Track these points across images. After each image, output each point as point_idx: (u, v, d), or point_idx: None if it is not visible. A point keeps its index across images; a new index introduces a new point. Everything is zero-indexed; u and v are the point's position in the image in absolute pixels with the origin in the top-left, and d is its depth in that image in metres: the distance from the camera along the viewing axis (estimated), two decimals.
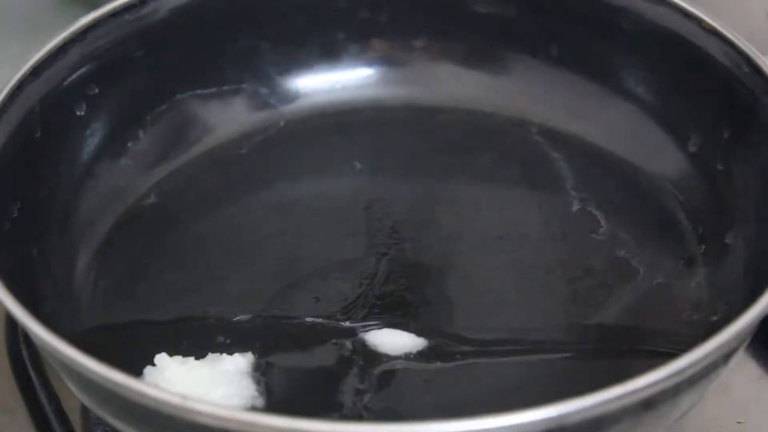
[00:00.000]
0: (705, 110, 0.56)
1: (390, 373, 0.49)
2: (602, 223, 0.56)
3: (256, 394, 0.48)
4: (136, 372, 0.47)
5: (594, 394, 0.38)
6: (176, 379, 0.47)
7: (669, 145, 0.58)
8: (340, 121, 0.63)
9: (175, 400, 0.38)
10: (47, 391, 0.51)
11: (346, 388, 0.48)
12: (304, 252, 0.55)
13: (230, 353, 0.49)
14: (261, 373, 0.49)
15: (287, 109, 0.63)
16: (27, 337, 0.53)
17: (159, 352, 0.49)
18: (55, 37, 0.54)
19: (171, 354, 0.48)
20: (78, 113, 0.56)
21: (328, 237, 0.56)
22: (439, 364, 0.50)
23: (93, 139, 0.57)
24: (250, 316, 0.52)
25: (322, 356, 0.50)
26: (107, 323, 0.52)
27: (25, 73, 0.52)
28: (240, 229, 0.57)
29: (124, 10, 0.57)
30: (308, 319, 0.52)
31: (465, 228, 0.57)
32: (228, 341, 0.50)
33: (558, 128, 0.62)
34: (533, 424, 0.37)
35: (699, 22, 0.56)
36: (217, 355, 0.49)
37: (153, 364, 0.48)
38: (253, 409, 0.47)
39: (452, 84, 0.64)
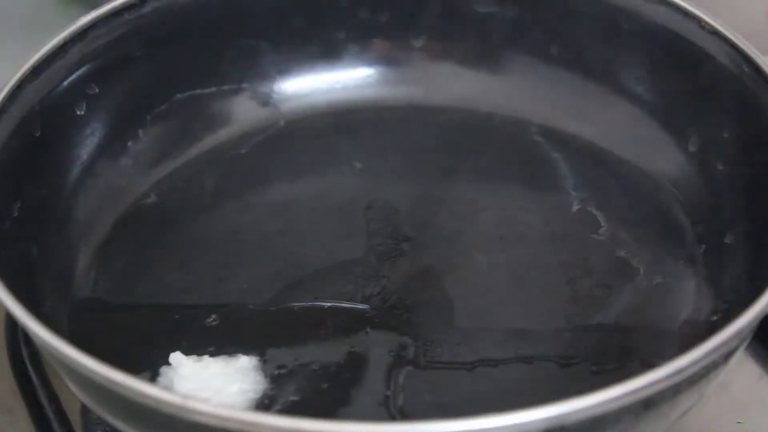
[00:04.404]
0: (705, 110, 0.56)
1: (389, 373, 0.49)
2: (602, 223, 0.56)
3: (270, 388, 0.48)
4: (136, 372, 0.46)
5: (594, 394, 0.38)
6: (191, 376, 0.48)
7: (669, 145, 0.58)
8: (340, 121, 0.63)
9: (175, 400, 0.38)
10: (47, 391, 0.51)
11: (348, 387, 0.48)
12: (304, 252, 0.55)
13: (229, 353, 0.49)
14: (271, 370, 0.49)
15: (287, 109, 0.63)
16: (27, 337, 0.53)
17: (159, 351, 0.49)
18: (55, 37, 0.54)
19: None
20: (78, 113, 0.56)
21: (328, 237, 0.56)
22: (438, 365, 0.50)
23: (93, 138, 0.57)
24: (250, 315, 0.52)
25: (323, 356, 0.50)
26: (107, 323, 0.52)
27: (25, 73, 0.52)
28: (240, 229, 0.57)
29: (124, 9, 0.57)
30: (308, 319, 0.52)
31: (465, 228, 0.57)
32: (227, 341, 0.50)
33: (558, 128, 0.62)
34: (533, 424, 0.37)
35: (699, 22, 0.56)
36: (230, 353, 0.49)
37: (153, 364, 0.48)
38: (264, 405, 0.47)
39: (452, 84, 0.64)
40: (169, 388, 0.47)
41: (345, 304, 0.52)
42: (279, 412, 0.47)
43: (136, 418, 0.42)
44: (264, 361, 0.49)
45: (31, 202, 0.52)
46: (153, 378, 0.48)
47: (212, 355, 0.49)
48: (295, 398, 0.48)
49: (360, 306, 0.52)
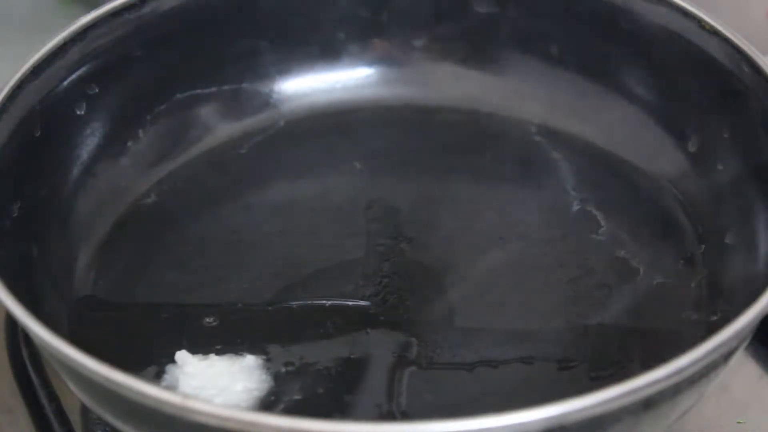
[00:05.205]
0: (705, 110, 0.56)
1: (390, 373, 0.49)
2: (602, 223, 0.56)
3: (275, 387, 0.48)
4: (136, 371, 0.46)
5: (594, 393, 0.38)
6: (196, 374, 0.48)
7: (669, 145, 0.58)
8: (340, 121, 0.63)
9: (175, 400, 0.38)
10: (47, 391, 0.51)
11: (350, 387, 0.48)
12: (304, 252, 0.55)
13: (228, 353, 0.49)
14: (274, 370, 0.49)
15: (287, 109, 0.63)
16: (27, 337, 0.53)
17: (159, 351, 0.49)
18: (55, 37, 0.54)
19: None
20: (78, 113, 0.56)
21: (328, 237, 0.56)
22: (438, 365, 0.50)
23: (93, 138, 0.57)
24: (250, 315, 0.52)
25: (324, 356, 0.50)
26: (107, 323, 0.52)
27: (25, 73, 0.52)
28: (240, 229, 0.57)
29: (124, 9, 0.57)
30: (308, 319, 0.52)
31: (465, 228, 0.57)
32: (227, 340, 0.50)
33: (558, 128, 0.62)
34: (533, 423, 0.37)
35: (699, 22, 0.56)
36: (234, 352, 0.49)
37: (153, 364, 0.49)
38: (269, 403, 0.47)
39: (452, 84, 0.64)
40: (174, 385, 0.48)
41: (346, 302, 0.52)
42: (283, 411, 0.47)
43: (136, 418, 0.42)
44: (267, 360, 0.49)
45: (31, 202, 0.52)
46: (158, 375, 0.48)
47: (217, 353, 0.49)
48: (298, 397, 0.48)
49: (362, 303, 0.52)
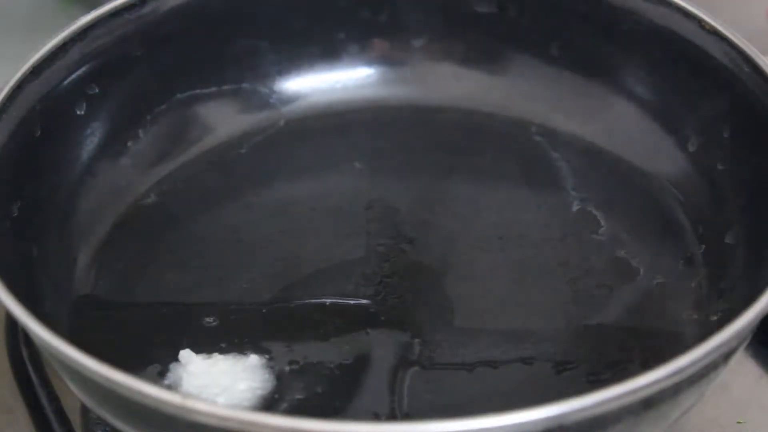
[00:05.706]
0: (705, 110, 0.56)
1: (390, 374, 0.49)
2: (602, 223, 0.56)
3: (278, 386, 0.48)
4: (136, 371, 0.46)
5: (594, 393, 0.38)
6: (200, 373, 0.48)
7: (669, 145, 0.58)
8: (340, 121, 0.63)
9: (175, 400, 0.38)
10: (47, 391, 0.51)
11: (350, 387, 0.48)
12: (304, 252, 0.55)
13: (228, 353, 0.49)
14: (276, 369, 0.49)
15: (287, 109, 0.63)
16: (27, 337, 0.53)
17: (159, 351, 0.49)
18: (55, 37, 0.54)
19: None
20: (78, 113, 0.56)
21: (328, 237, 0.56)
22: (439, 365, 0.50)
23: (93, 138, 0.57)
24: (250, 315, 0.52)
25: (324, 356, 0.50)
26: (107, 323, 0.52)
27: (25, 73, 0.52)
28: (240, 229, 0.57)
29: (124, 9, 0.57)
30: (308, 319, 0.52)
31: (465, 228, 0.57)
32: (227, 340, 0.50)
33: (558, 128, 0.62)
34: (533, 423, 0.37)
35: (699, 22, 0.56)
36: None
37: (153, 364, 0.49)
38: (272, 402, 0.48)
39: (452, 84, 0.64)
40: (177, 384, 0.48)
41: (346, 301, 0.52)
42: (286, 410, 0.47)
43: (136, 418, 0.42)
44: (270, 360, 0.49)
45: (31, 202, 0.52)
46: (161, 374, 0.49)
47: (220, 352, 0.49)
48: (301, 396, 0.48)
49: (363, 301, 0.52)
